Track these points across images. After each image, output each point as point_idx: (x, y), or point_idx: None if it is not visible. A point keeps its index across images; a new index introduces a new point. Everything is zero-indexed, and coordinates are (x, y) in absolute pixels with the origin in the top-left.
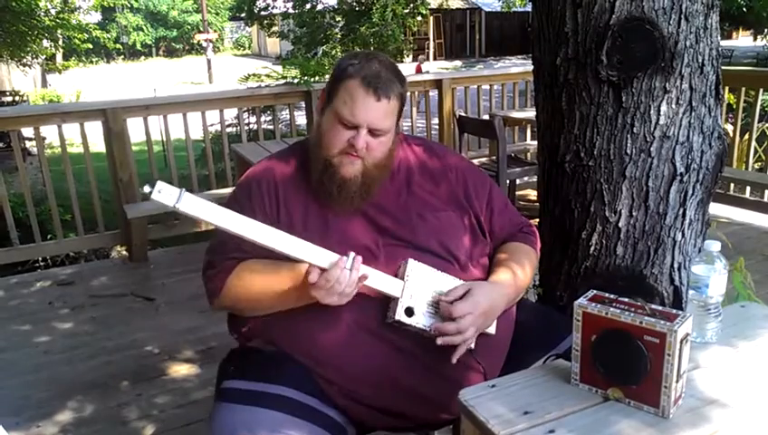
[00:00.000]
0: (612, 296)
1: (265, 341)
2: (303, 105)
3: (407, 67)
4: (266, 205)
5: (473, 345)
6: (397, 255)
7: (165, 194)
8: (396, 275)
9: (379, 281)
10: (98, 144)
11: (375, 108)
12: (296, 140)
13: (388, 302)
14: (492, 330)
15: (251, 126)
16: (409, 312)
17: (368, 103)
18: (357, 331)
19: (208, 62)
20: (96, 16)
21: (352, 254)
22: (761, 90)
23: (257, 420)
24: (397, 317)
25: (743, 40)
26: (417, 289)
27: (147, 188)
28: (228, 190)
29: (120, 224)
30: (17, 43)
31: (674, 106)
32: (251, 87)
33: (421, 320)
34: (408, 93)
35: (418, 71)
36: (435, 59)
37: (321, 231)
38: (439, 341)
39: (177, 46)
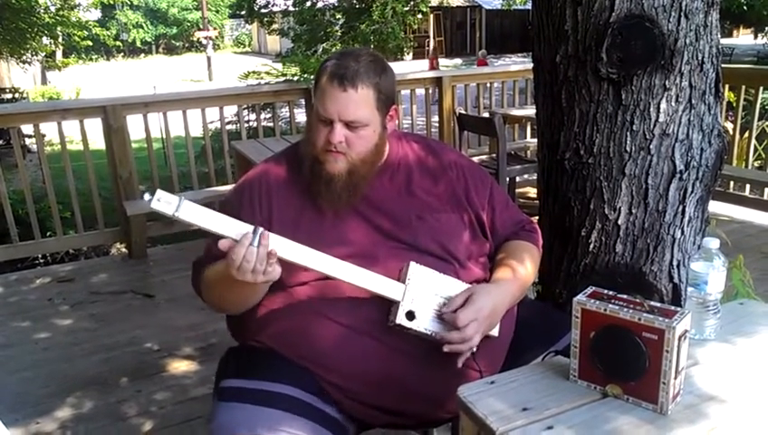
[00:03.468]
0: (611, 293)
1: (262, 341)
2: (303, 102)
3: (407, 65)
4: (257, 209)
5: (475, 348)
6: (395, 256)
7: (164, 202)
8: (398, 279)
9: (380, 284)
10: (97, 141)
11: (342, 98)
12: (295, 139)
13: (384, 302)
14: (495, 332)
15: (251, 123)
16: (410, 315)
17: (335, 95)
18: (352, 333)
19: (208, 59)
20: (96, 14)
21: (259, 229)
22: (761, 88)
23: (257, 419)
24: (398, 321)
25: (743, 38)
26: (419, 293)
27: (146, 197)
28: (228, 187)
29: (120, 221)
30: (17, 40)
31: (673, 104)
32: (251, 84)
33: (423, 323)
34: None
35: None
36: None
37: (315, 232)
38: (446, 348)
39: (177, 44)
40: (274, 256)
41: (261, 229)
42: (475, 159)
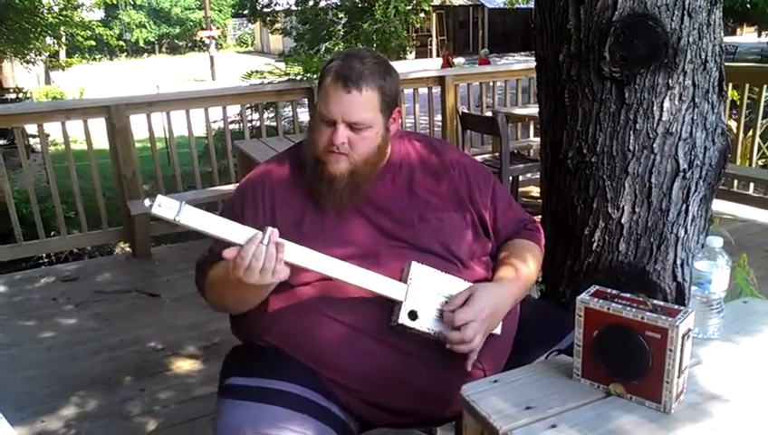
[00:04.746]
0: (614, 292)
1: (266, 340)
2: (306, 102)
3: (410, 64)
4: (259, 210)
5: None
6: (397, 256)
7: (165, 208)
8: (399, 279)
9: (382, 284)
10: (101, 141)
11: (346, 100)
12: (298, 138)
13: (387, 302)
14: (497, 330)
15: (254, 123)
16: (413, 315)
17: (339, 96)
18: (356, 332)
19: (211, 59)
20: (99, 13)
21: (269, 229)
22: (765, 86)
23: (261, 417)
24: (400, 321)
25: (747, 36)
26: (421, 292)
27: (147, 202)
28: (230, 187)
29: (124, 220)
30: (20, 40)
31: (677, 102)
32: (254, 84)
33: (425, 323)
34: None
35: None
36: (437, 56)
37: (317, 233)
38: (447, 346)
39: (180, 43)
40: (282, 251)
41: (271, 229)
42: (478, 158)
